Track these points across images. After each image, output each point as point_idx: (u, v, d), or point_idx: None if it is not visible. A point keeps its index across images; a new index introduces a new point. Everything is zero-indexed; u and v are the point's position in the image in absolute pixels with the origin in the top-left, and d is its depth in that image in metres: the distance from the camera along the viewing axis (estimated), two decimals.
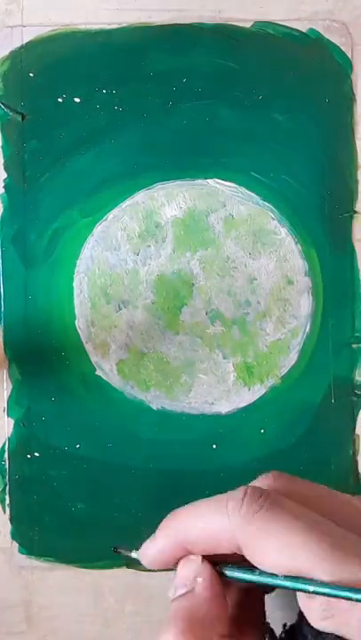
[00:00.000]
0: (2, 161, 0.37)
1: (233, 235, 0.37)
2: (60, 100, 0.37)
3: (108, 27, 0.37)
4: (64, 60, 0.37)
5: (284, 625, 0.25)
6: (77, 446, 0.37)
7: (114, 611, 0.37)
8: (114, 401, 0.37)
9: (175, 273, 0.37)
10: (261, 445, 0.37)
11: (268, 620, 0.27)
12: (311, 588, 0.20)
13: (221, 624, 0.22)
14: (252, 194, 0.37)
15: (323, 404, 0.37)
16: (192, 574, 0.23)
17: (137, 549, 0.26)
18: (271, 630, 0.25)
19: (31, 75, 0.37)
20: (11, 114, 0.37)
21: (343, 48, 0.37)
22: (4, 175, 0.37)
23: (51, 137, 0.37)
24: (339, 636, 0.21)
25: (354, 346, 0.37)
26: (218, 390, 0.37)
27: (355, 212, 0.37)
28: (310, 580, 0.21)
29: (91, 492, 0.37)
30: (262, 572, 0.22)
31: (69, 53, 0.37)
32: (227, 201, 0.37)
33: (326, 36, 0.37)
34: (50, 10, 0.37)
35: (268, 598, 0.27)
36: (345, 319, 0.37)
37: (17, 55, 0.36)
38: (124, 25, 0.37)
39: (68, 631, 0.37)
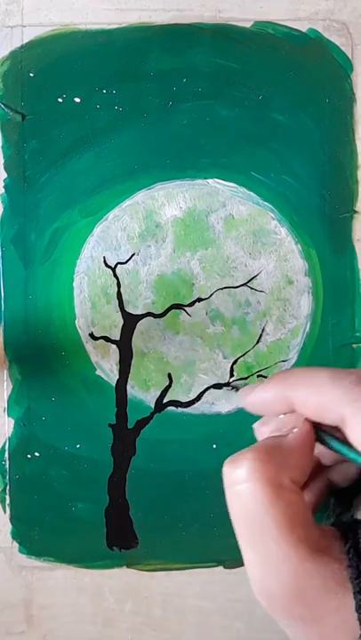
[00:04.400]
0: (2, 161, 0.37)
1: (233, 235, 0.37)
2: (60, 99, 0.37)
3: (108, 27, 0.37)
4: (64, 60, 0.37)
5: (352, 516, 0.25)
6: (77, 446, 0.37)
7: (114, 611, 0.37)
8: (114, 401, 0.37)
9: (175, 273, 0.37)
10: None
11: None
12: None
13: (297, 472, 0.22)
14: (253, 194, 0.37)
15: None
16: (291, 424, 0.23)
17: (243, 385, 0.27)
18: (338, 511, 0.24)
19: (31, 75, 0.37)
20: (11, 114, 0.37)
21: (343, 48, 0.37)
22: (4, 175, 0.37)
23: (51, 137, 0.37)
24: None
25: (354, 346, 0.37)
26: (218, 390, 0.37)
27: (355, 211, 0.37)
28: None
29: (91, 492, 0.37)
30: (358, 452, 0.22)
31: (69, 53, 0.37)
32: (227, 201, 0.37)
33: (326, 35, 0.37)
34: (50, 10, 0.37)
35: None
36: (345, 319, 0.37)
37: (17, 55, 0.36)
38: (124, 25, 0.37)
39: (68, 631, 0.37)
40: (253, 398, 0.24)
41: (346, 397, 0.21)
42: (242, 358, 0.37)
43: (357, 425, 0.22)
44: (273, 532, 0.21)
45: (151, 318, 0.37)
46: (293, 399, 0.23)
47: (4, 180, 0.37)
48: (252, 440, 0.37)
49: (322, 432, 0.23)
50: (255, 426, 0.26)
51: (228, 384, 0.29)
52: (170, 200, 0.37)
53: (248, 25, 0.37)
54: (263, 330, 0.37)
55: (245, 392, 0.25)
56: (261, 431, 0.25)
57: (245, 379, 0.31)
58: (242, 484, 0.21)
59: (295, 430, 0.23)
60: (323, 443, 0.23)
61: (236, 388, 0.28)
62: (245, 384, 0.28)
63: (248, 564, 0.21)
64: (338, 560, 0.21)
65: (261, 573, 0.21)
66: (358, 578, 0.20)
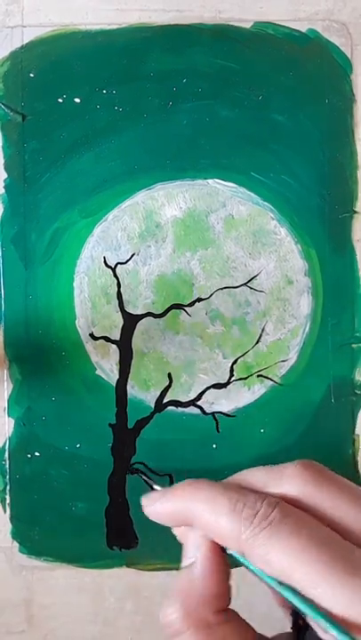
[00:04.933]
0: (2, 161, 0.37)
1: (233, 235, 0.37)
2: (60, 100, 0.37)
3: (108, 27, 0.37)
4: (64, 60, 0.37)
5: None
6: (77, 446, 0.37)
7: (114, 610, 0.37)
8: (114, 401, 0.37)
9: (175, 273, 0.37)
10: (261, 445, 0.37)
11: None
12: (306, 611, 0.20)
13: (218, 600, 0.22)
14: (252, 194, 0.37)
15: (323, 403, 0.37)
16: (193, 545, 0.23)
17: (154, 486, 0.27)
18: (297, 611, 0.25)
19: (31, 75, 0.37)
20: (11, 114, 0.37)
21: (343, 48, 0.37)
22: (5, 175, 0.37)
23: (51, 137, 0.37)
24: None
25: (354, 346, 0.37)
26: (218, 390, 0.37)
27: (355, 211, 0.37)
28: (305, 599, 0.21)
29: (91, 492, 0.37)
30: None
31: (69, 53, 0.37)
32: (227, 201, 0.37)
33: (326, 36, 0.37)
34: (50, 10, 0.37)
35: None
36: (345, 319, 0.37)
37: (17, 55, 0.36)
38: (124, 25, 0.37)
39: (68, 630, 0.37)
40: (154, 512, 0.24)
41: (241, 534, 0.21)
42: (242, 358, 0.37)
43: (255, 560, 0.21)
44: None
45: (151, 318, 0.37)
46: (193, 520, 0.23)
47: (5, 181, 0.37)
48: (252, 440, 0.37)
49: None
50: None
51: (139, 472, 0.31)
52: (170, 200, 0.37)
53: (248, 25, 0.37)
54: (263, 330, 0.37)
55: (149, 501, 0.24)
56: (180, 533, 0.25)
57: (147, 476, 0.32)
58: (176, 636, 0.22)
59: (198, 555, 0.23)
60: (231, 557, 0.23)
61: (149, 486, 0.28)
62: (148, 478, 0.28)
63: None
64: None
65: None
66: None
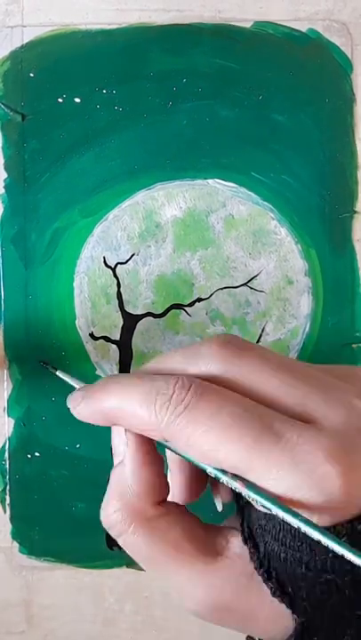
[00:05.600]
0: (2, 161, 0.37)
1: (233, 235, 0.37)
2: (60, 100, 0.37)
3: (108, 27, 0.37)
4: (64, 60, 0.37)
5: None
6: (77, 446, 0.37)
7: (114, 611, 0.37)
8: None
9: (175, 273, 0.37)
10: None
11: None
12: (236, 485, 0.20)
13: (154, 492, 0.22)
14: (252, 194, 0.37)
15: None
16: (121, 441, 0.23)
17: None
18: (236, 492, 0.24)
19: (31, 75, 0.37)
20: (11, 114, 0.37)
21: (343, 48, 0.37)
22: (5, 175, 0.37)
23: (51, 137, 0.37)
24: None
25: (354, 346, 0.37)
26: None
27: (355, 211, 0.37)
28: (230, 475, 0.20)
29: (91, 492, 0.37)
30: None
31: (69, 53, 0.37)
32: (227, 201, 0.37)
33: (326, 36, 0.37)
34: (50, 10, 0.37)
35: None
36: (345, 319, 0.37)
37: (17, 55, 0.36)
38: (124, 25, 0.37)
39: (68, 631, 0.37)
40: (81, 415, 0.23)
41: (158, 422, 0.21)
42: None
43: (178, 446, 0.21)
44: (166, 564, 0.21)
45: (151, 318, 0.37)
46: (115, 418, 0.22)
47: (5, 180, 0.37)
48: None
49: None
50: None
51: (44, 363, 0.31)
52: (170, 200, 0.37)
53: (248, 25, 0.37)
54: (263, 330, 0.37)
55: (72, 404, 0.24)
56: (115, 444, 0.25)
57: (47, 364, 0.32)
58: (120, 536, 0.22)
59: (125, 450, 0.22)
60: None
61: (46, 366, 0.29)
62: (55, 368, 0.28)
63: (169, 591, 0.22)
64: (240, 556, 0.21)
65: (179, 598, 0.21)
66: (261, 567, 0.20)
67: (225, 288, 0.37)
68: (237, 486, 0.20)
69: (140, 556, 0.22)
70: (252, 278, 0.37)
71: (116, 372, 0.37)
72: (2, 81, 0.36)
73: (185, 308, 0.37)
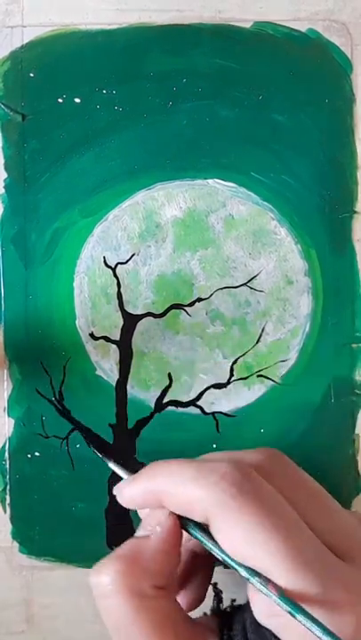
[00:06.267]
0: (2, 161, 0.37)
1: (233, 235, 0.37)
2: (60, 100, 0.37)
3: (108, 27, 0.37)
4: (64, 60, 0.37)
5: (233, 600, 0.25)
6: (77, 446, 0.37)
7: None
8: (114, 401, 0.37)
9: (175, 273, 0.37)
10: (261, 445, 0.37)
11: (219, 586, 0.27)
12: (262, 588, 0.20)
13: (160, 576, 0.22)
14: (252, 194, 0.37)
15: (323, 403, 0.37)
16: (155, 521, 0.23)
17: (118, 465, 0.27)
18: (220, 597, 0.25)
19: (31, 75, 0.37)
20: (11, 114, 0.37)
21: (343, 48, 0.37)
22: (5, 175, 0.37)
23: (51, 137, 0.37)
24: (275, 636, 0.21)
25: (354, 346, 0.37)
26: (218, 390, 0.37)
27: (355, 211, 0.37)
28: (263, 578, 0.20)
29: (91, 492, 0.37)
30: (222, 549, 0.22)
31: (69, 53, 0.37)
32: (227, 201, 0.37)
33: (326, 36, 0.37)
34: (50, 10, 0.37)
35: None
36: (345, 319, 0.37)
37: (17, 55, 0.36)
38: (124, 25, 0.37)
39: (68, 631, 0.37)
40: (125, 497, 0.25)
41: (208, 498, 0.21)
42: (242, 358, 0.37)
43: (220, 526, 0.21)
44: None
45: (151, 318, 0.37)
46: (160, 495, 0.23)
47: (5, 180, 0.37)
48: (252, 440, 0.37)
49: (190, 524, 0.23)
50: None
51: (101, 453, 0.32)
52: (170, 200, 0.37)
53: (248, 25, 0.37)
54: (263, 330, 0.37)
55: (118, 489, 0.25)
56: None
57: (102, 455, 0.33)
58: (107, 598, 0.22)
59: (158, 529, 0.23)
60: (189, 533, 0.23)
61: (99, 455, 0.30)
62: (109, 459, 0.29)
63: None
64: None
65: None
66: None
67: (225, 288, 0.37)
68: (271, 593, 0.20)
69: (116, 623, 0.22)
70: (252, 278, 0.37)
71: (116, 372, 0.37)
72: (2, 81, 0.37)
73: (185, 308, 0.37)
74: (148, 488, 0.23)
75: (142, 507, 0.25)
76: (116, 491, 0.25)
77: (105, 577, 0.22)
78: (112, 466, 0.28)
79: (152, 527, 0.23)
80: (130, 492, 0.24)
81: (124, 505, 0.25)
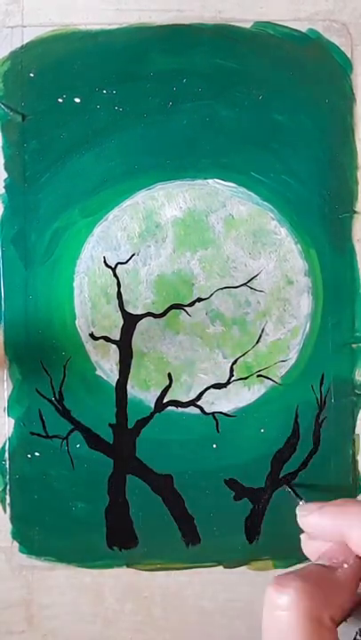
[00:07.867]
0: (2, 161, 0.37)
1: (233, 235, 0.37)
2: (60, 100, 0.37)
3: (108, 27, 0.37)
4: (64, 60, 0.37)
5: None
6: (77, 446, 0.37)
7: (114, 611, 0.37)
8: (114, 401, 0.37)
9: (175, 273, 0.37)
10: (261, 445, 0.37)
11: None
12: None
13: (338, 610, 0.23)
14: (252, 194, 0.37)
15: (323, 403, 0.37)
16: (342, 557, 0.24)
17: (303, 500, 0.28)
18: None
19: (31, 75, 0.37)
20: (11, 114, 0.37)
21: (343, 48, 0.37)
22: (5, 175, 0.37)
23: (51, 137, 0.37)
24: None
25: (354, 346, 0.37)
26: (218, 390, 0.37)
27: (355, 212, 0.37)
28: None
29: (91, 492, 0.37)
30: None
31: (69, 53, 0.37)
32: (227, 201, 0.37)
33: (326, 36, 0.37)
34: (50, 10, 0.37)
35: None
36: (345, 319, 0.37)
37: (17, 55, 0.36)
38: (124, 25, 0.37)
39: (68, 631, 0.37)
40: (310, 523, 0.25)
41: None
42: (242, 358, 0.37)
43: None
44: None
45: (151, 318, 0.37)
46: (348, 535, 0.24)
47: (5, 180, 0.37)
48: (252, 440, 0.37)
49: None
50: (303, 537, 0.27)
51: (287, 484, 0.35)
52: (170, 200, 0.37)
53: (248, 25, 0.37)
54: (263, 330, 0.37)
55: (303, 512, 0.26)
56: (309, 544, 0.26)
57: (290, 484, 0.35)
58: (284, 611, 0.22)
59: (345, 567, 0.24)
60: None
61: (294, 495, 0.32)
62: (300, 498, 0.31)
63: None
64: None
65: None
66: None
67: (225, 288, 0.37)
68: None
69: (282, 637, 0.22)
70: (252, 278, 0.37)
71: (116, 372, 0.37)
72: (2, 81, 0.37)
73: (185, 308, 0.37)
74: (336, 522, 0.24)
75: (321, 537, 0.25)
76: (301, 512, 0.26)
77: (290, 591, 0.22)
78: (302, 503, 0.29)
79: (338, 561, 0.24)
80: (317, 520, 0.25)
81: (304, 528, 0.26)
